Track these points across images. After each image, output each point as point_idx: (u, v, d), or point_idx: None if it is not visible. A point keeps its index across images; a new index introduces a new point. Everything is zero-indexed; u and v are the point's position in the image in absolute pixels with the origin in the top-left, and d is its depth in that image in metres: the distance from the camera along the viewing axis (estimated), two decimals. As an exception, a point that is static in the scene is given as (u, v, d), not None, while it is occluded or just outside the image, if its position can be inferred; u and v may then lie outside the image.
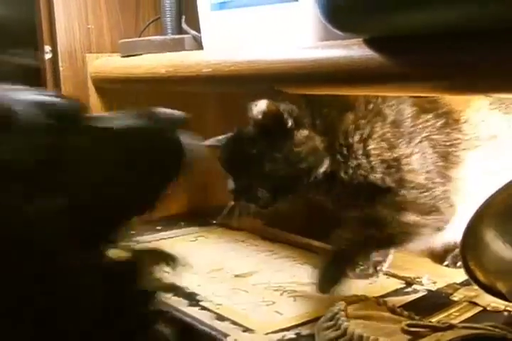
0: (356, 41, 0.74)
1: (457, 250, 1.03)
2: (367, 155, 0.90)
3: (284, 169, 0.90)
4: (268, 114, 0.89)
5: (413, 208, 0.90)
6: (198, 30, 1.13)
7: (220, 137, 1.02)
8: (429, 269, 1.05)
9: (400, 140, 0.90)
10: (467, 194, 0.93)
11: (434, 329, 0.66)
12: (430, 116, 0.91)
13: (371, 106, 0.92)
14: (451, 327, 0.66)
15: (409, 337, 0.65)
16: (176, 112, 0.75)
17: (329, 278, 0.90)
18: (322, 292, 0.90)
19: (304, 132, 0.91)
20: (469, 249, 0.82)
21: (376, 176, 0.90)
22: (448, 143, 0.91)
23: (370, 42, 0.72)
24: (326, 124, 0.92)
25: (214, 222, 1.37)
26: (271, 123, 0.90)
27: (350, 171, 0.91)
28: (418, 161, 0.90)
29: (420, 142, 0.90)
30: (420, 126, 0.91)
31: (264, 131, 0.91)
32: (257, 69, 0.88)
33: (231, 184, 0.96)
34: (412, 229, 0.91)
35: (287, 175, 0.91)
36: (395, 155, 0.90)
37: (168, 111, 0.75)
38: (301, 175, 0.91)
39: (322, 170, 0.92)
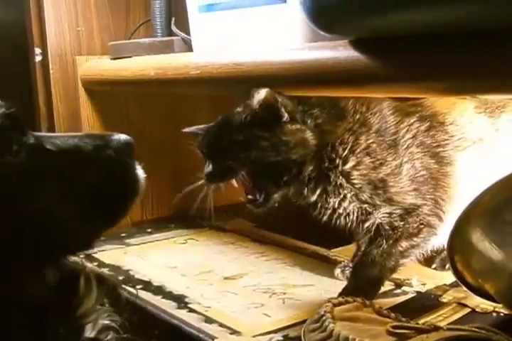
0: (342, 42, 0.74)
1: (445, 252, 1.04)
2: (348, 175, 0.89)
3: (271, 156, 0.89)
4: (265, 104, 0.88)
5: (404, 233, 0.90)
6: (188, 32, 1.13)
7: (201, 126, 1.01)
8: (418, 271, 1.04)
9: (387, 150, 0.89)
10: (457, 196, 0.93)
11: (420, 330, 0.66)
12: (414, 119, 0.91)
13: (357, 116, 0.92)
14: (436, 328, 0.66)
15: (394, 338, 0.65)
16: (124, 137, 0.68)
17: None
18: None
19: (296, 126, 0.90)
20: (456, 250, 0.82)
21: (364, 196, 0.89)
22: (435, 144, 0.91)
23: (356, 44, 0.72)
24: (316, 126, 0.91)
25: (204, 224, 1.36)
26: (266, 113, 0.89)
27: (333, 188, 0.91)
28: (408, 173, 0.89)
29: (407, 147, 0.90)
30: (405, 129, 0.91)
31: (258, 119, 0.89)
32: (244, 71, 0.88)
33: (208, 168, 0.95)
34: (404, 254, 0.91)
35: (273, 163, 0.89)
36: (380, 175, 0.89)
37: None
38: (289, 165, 0.90)
39: (310, 168, 0.91)
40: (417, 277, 1.01)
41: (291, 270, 1.08)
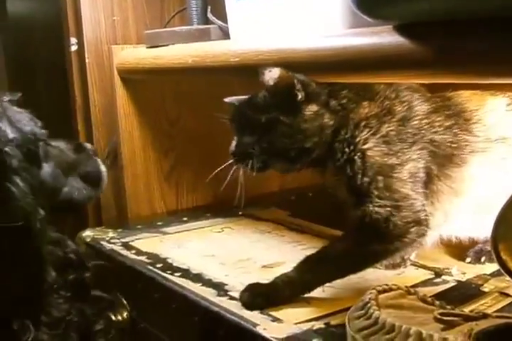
0: (385, 28, 0.73)
1: (478, 245, 1.03)
2: (363, 153, 0.88)
3: (288, 143, 0.89)
4: (280, 83, 0.87)
5: (395, 229, 0.87)
6: (223, 20, 1.13)
7: (241, 97, 1.01)
8: (457, 260, 1.04)
9: (402, 143, 0.88)
10: (470, 194, 0.91)
11: (468, 318, 0.65)
12: (441, 116, 0.90)
13: (386, 102, 0.91)
14: (485, 316, 0.65)
15: (442, 325, 0.64)
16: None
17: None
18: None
19: (313, 107, 0.89)
20: (501, 239, 0.80)
21: (364, 179, 0.88)
22: (454, 145, 0.90)
23: (401, 29, 0.71)
24: (341, 105, 0.91)
25: (240, 213, 1.37)
26: (281, 92, 0.88)
27: (340, 164, 0.90)
28: (410, 170, 0.88)
29: (421, 148, 0.88)
30: (427, 126, 0.90)
31: (275, 98, 0.90)
32: (285, 57, 0.88)
33: (232, 146, 0.97)
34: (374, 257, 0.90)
35: (289, 149, 0.90)
36: (390, 162, 0.87)
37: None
38: (302, 152, 0.91)
39: (318, 150, 0.91)
40: (456, 266, 1.01)
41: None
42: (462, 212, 0.92)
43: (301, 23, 0.95)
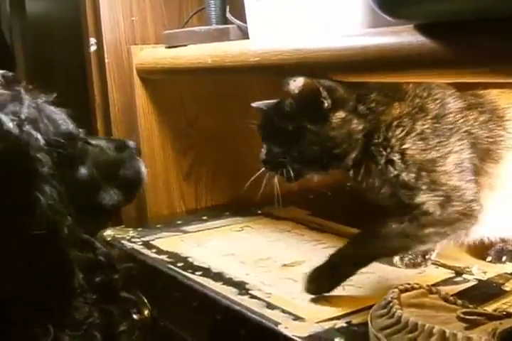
0: (406, 28, 0.73)
1: (499, 245, 1.02)
2: (402, 153, 0.89)
3: (318, 151, 0.91)
4: (305, 91, 0.88)
5: (436, 220, 0.88)
6: (242, 20, 1.14)
7: (268, 101, 1.02)
8: (478, 259, 1.04)
9: (439, 137, 0.89)
10: (505, 190, 0.91)
11: (491, 317, 0.65)
12: (474, 111, 0.90)
13: (417, 101, 0.91)
14: (508, 315, 0.65)
15: (465, 324, 0.65)
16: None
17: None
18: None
19: (340, 114, 0.90)
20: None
21: (410, 175, 0.89)
22: (490, 140, 0.90)
23: (421, 28, 0.71)
24: (369, 109, 0.91)
25: (259, 211, 1.37)
26: (307, 100, 0.89)
27: (381, 166, 0.91)
28: (454, 162, 0.88)
29: (460, 139, 0.89)
30: (462, 120, 0.90)
31: (301, 107, 0.91)
32: (305, 57, 0.88)
33: (263, 154, 0.97)
34: (422, 239, 0.90)
35: (320, 156, 0.91)
36: (430, 156, 0.88)
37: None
38: (333, 158, 0.92)
39: (353, 155, 0.92)
40: (477, 265, 1.00)
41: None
42: (495, 209, 0.92)
43: (320, 23, 0.95)
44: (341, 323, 0.82)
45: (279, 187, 0.99)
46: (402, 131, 0.90)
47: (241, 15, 1.12)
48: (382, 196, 0.93)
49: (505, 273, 0.98)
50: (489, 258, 1.03)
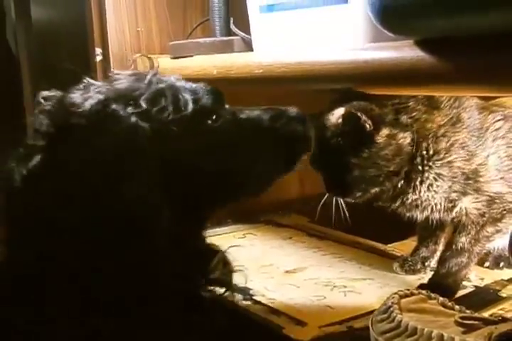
0: (407, 43, 0.76)
1: (498, 251, 1.05)
2: (449, 166, 0.92)
3: (372, 172, 0.92)
4: (346, 121, 0.90)
5: (489, 218, 0.93)
6: (246, 31, 1.16)
7: None
8: (475, 266, 1.06)
9: (476, 143, 0.92)
10: None
11: (488, 322, 0.68)
12: (499, 117, 0.94)
13: (454, 111, 0.94)
14: (504, 320, 0.68)
15: (462, 329, 0.67)
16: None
17: None
18: None
19: (384, 132, 0.91)
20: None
21: (457, 186, 0.92)
22: None
23: (421, 44, 0.74)
24: (412, 118, 0.93)
25: (262, 219, 1.40)
26: (350, 129, 0.91)
27: (429, 180, 0.93)
28: (494, 165, 0.92)
29: (493, 140, 0.93)
30: (490, 125, 0.94)
31: (346, 138, 0.92)
32: (308, 70, 0.90)
33: (324, 182, 0.98)
34: (489, 239, 0.95)
35: (378, 175, 0.92)
36: (473, 166, 0.92)
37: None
38: (390, 174, 0.93)
39: (406, 168, 0.93)
40: (475, 272, 1.03)
41: (350, 264, 1.11)
42: None
43: (323, 36, 0.98)
44: (343, 328, 0.84)
45: (343, 207, 1.00)
46: (448, 141, 0.92)
47: (245, 26, 1.15)
48: (423, 209, 0.96)
49: (502, 280, 1.01)
50: (487, 264, 1.06)
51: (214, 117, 0.73)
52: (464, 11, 0.62)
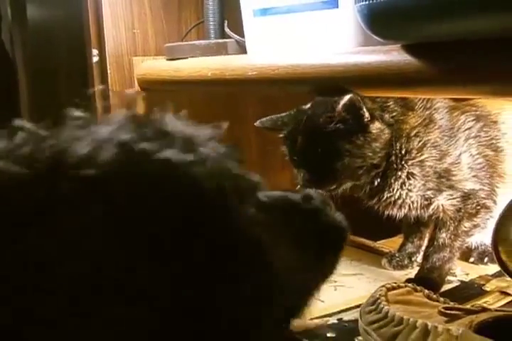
0: (395, 47, 0.79)
1: (482, 247, 1.09)
2: (421, 165, 0.96)
3: (357, 163, 0.94)
4: (349, 105, 0.91)
5: (465, 214, 0.97)
6: (240, 34, 1.20)
7: (273, 117, 1.03)
8: (461, 262, 1.10)
9: (448, 143, 0.96)
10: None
11: (469, 312, 0.71)
12: (470, 117, 0.97)
13: (427, 112, 0.97)
14: (484, 310, 0.72)
15: (445, 318, 0.71)
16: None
17: None
18: None
19: (377, 125, 0.94)
20: (500, 242, 0.87)
21: (431, 184, 0.96)
22: (489, 138, 0.99)
23: (408, 48, 0.77)
24: (393, 118, 0.97)
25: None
26: (350, 115, 0.92)
27: (402, 179, 0.97)
28: (467, 163, 0.96)
29: (465, 139, 0.97)
30: (462, 124, 0.97)
31: (343, 124, 0.93)
32: (301, 72, 0.94)
33: (303, 178, 0.97)
34: (468, 234, 0.99)
35: (358, 167, 0.95)
36: (445, 165, 0.95)
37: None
38: (370, 168, 0.96)
39: (384, 164, 0.96)
40: (460, 267, 1.07)
41: (341, 261, 1.14)
42: None
43: (315, 40, 1.01)
44: (333, 320, 0.88)
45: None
46: (420, 141, 0.96)
47: (239, 29, 1.18)
48: (399, 207, 1.00)
49: (486, 275, 1.05)
50: (472, 259, 1.10)
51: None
52: (449, 18, 0.66)
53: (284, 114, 1.02)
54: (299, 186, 0.97)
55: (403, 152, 0.95)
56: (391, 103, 0.97)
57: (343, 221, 0.67)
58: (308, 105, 0.99)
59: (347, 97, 0.90)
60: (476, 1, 0.63)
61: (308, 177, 0.96)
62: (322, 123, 0.93)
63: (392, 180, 0.97)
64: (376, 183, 0.98)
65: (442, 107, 0.97)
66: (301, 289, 0.63)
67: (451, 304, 0.77)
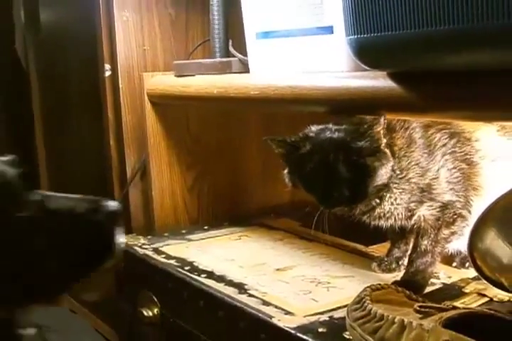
0: (381, 74, 0.89)
1: (464, 253, 1.19)
2: (408, 182, 1.04)
3: (378, 181, 1.01)
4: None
5: (443, 222, 1.07)
6: (243, 53, 1.29)
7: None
8: (444, 266, 1.19)
9: (428, 160, 1.04)
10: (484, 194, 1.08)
11: (441, 309, 0.81)
12: (445, 135, 1.06)
13: (407, 132, 1.05)
14: (454, 308, 0.81)
15: (420, 315, 0.81)
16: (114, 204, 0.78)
17: None
18: None
19: (385, 149, 1.01)
20: (475, 248, 0.96)
21: (415, 198, 1.05)
22: (464, 153, 1.06)
23: (393, 76, 0.87)
24: (387, 141, 1.02)
25: (255, 222, 1.53)
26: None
27: (395, 196, 1.05)
28: (444, 177, 1.05)
29: (442, 155, 1.05)
30: (438, 141, 1.06)
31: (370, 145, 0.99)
32: (297, 94, 1.03)
33: (322, 198, 1.02)
34: (447, 240, 1.08)
35: (375, 187, 1.02)
36: (427, 181, 1.04)
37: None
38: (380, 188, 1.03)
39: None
40: (443, 271, 1.16)
41: (334, 263, 1.24)
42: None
43: (311, 62, 1.10)
44: (325, 317, 0.98)
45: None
46: (406, 161, 1.04)
47: (242, 48, 1.27)
48: (386, 219, 1.09)
49: (467, 278, 1.13)
50: (454, 264, 1.19)
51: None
52: (427, 52, 0.75)
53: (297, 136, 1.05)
54: (322, 207, 1.04)
55: (397, 172, 1.04)
56: (377, 127, 1.01)
57: (118, 240, 0.77)
58: (321, 126, 1.04)
59: (383, 120, 0.97)
60: (448, 39, 0.71)
61: (323, 198, 1.02)
62: (353, 144, 0.99)
63: (387, 198, 1.05)
64: (374, 203, 1.06)
65: (418, 127, 1.06)
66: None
67: (426, 302, 0.87)
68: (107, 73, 1.56)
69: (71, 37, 1.87)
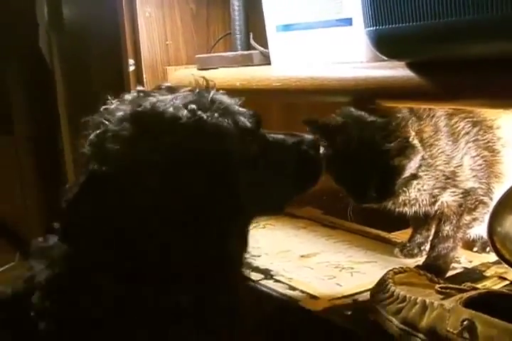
0: (399, 64, 0.91)
1: (485, 238, 1.21)
2: (435, 169, 1.07)
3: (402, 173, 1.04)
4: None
5: (466, 208, 1.09)
6: (264, 46, 1.31)
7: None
8: (465, 250, 1.21)
9: (452, 148, 1.07)
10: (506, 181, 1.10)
11: (461, 290, 0.84)
12: (468, 123, 1.08)
13: (433, 120, 1.07)
14: (474, 289, 0.84)
15: (441, 296, 0.84)
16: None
17: None
18: None
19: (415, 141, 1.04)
20: (495, 233, 0.99)
21: (439, 184, 1.08)
22: (486, 141, 1.09)
23: (411, 65, 0.89)
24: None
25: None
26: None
27: (421, 184, 1.07)
28: (468, 165, 1.07)
29: (466, 143, 1.07)
30: (462, 130, 1.08)
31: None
32: (318, 84, 1.05)
33: (364, 191, 1.04)
34: (468, 226, 1.10)
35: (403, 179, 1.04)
36: (451, 168, 1.07)
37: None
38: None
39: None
40: (465, 256, 1.19)
41: (357, 250, 1.27)
42: None
43: (331, 54, 1.12)
44: (349, 301, 1.01)
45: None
46: (434, 148, 1.06)
47: (263, 41, 1.29)
48: (411, 206, 1.11)
49: (488, 262, 1.16)
50: (475, 249, 1.22)
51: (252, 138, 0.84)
52: (443, 43, 0.78)
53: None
54: (360, 203, 1.08)
55: (428, 160, 1.06)
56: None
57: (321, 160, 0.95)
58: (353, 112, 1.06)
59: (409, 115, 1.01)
60: (466, 29, 0.74)
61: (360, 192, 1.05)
62: (382, 146, 1.01)
63: (413, 185, 1.07)
64: (400, 190, 1.07)
65: (443, 115, 1.08)
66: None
67: (447, 284, 0.89)
68: (131, 68, 1.59)
69: (94, 34, 1.89)
